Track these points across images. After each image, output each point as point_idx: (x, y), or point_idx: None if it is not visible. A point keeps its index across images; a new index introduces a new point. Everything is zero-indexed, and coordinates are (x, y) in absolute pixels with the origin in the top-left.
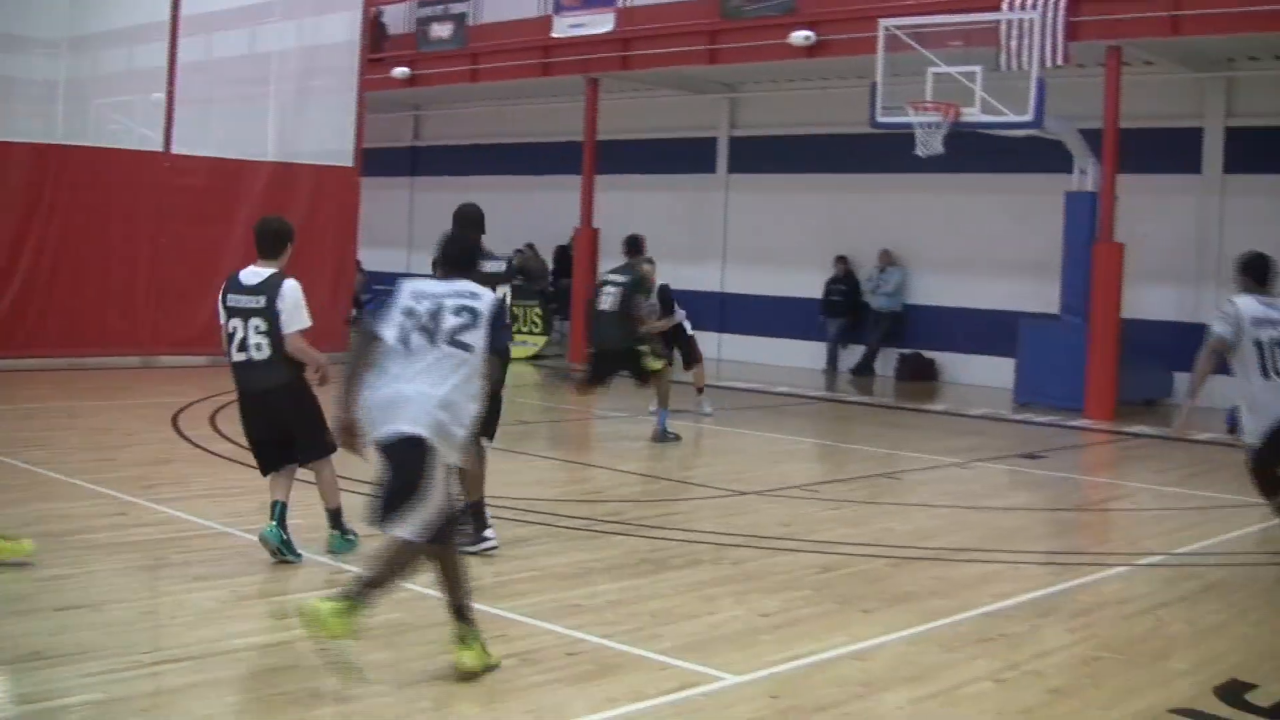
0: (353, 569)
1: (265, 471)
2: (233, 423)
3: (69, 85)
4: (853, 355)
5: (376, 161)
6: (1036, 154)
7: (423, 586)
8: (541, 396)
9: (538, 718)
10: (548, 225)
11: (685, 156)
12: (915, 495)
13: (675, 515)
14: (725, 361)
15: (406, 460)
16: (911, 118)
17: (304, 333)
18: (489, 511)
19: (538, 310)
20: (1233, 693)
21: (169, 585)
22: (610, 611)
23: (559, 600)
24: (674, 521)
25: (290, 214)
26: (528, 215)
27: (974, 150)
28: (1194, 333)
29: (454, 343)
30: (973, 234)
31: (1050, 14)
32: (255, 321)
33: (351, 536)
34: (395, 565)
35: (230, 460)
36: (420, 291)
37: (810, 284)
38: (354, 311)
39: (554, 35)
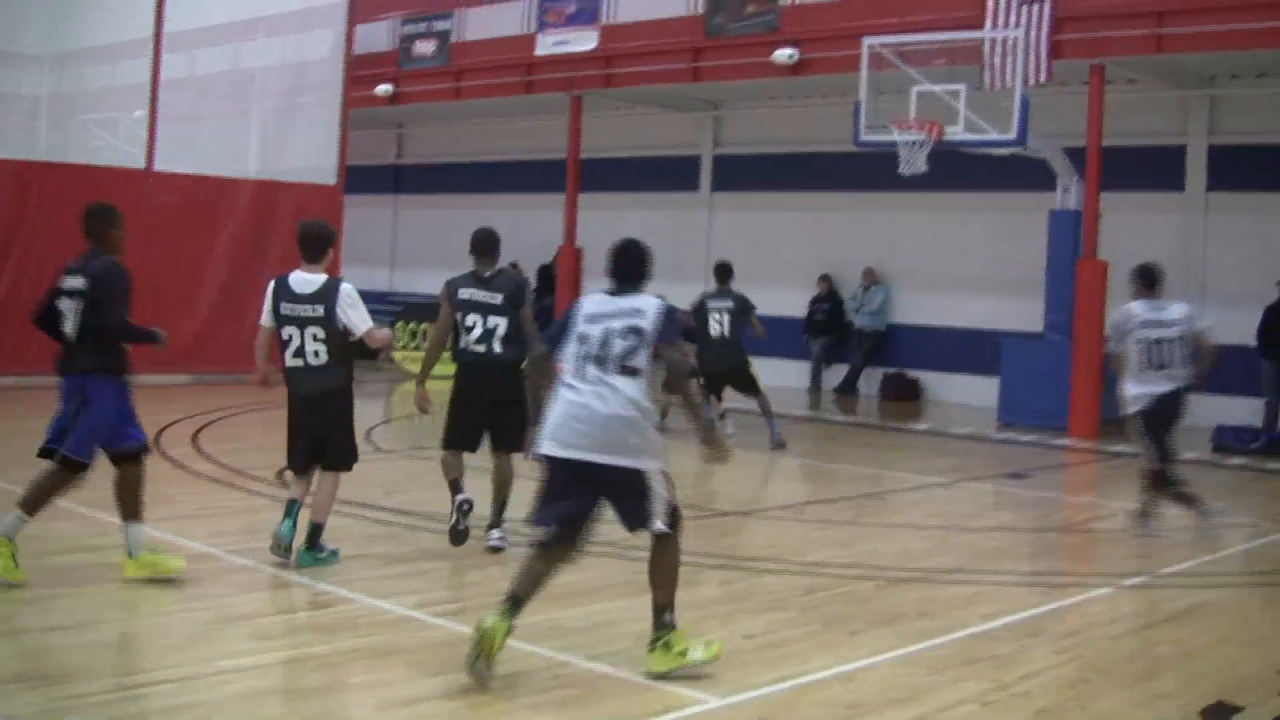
0: (336, 589)
1: (297, 469)
2: (215, 442)
3: (52, 101)
4: (836, 374)
5: (360, 179)
6: (1020, 172)
7: (407, 609)
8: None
9: None
10: (531, 244)
11: (669, 174)
12: (901, 516)
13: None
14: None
15: (627, 487)
16: (895, 136)
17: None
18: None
19: None
20: (1219, 715)
21: (152, 607)
22: (596, 633)
23: (545, 622)
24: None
25: (273, 232)
26: (510, 233)
27: (958, 169)
28: None
29: (624, 370)
30: (956, 252)
31: (1034, 32)
32: (313, 329)
33: (322, 554)
34: (671, 562)
35: (212, 480)
36: (593, 314)
37: (794, 303)
38: None
39: (537, 53)
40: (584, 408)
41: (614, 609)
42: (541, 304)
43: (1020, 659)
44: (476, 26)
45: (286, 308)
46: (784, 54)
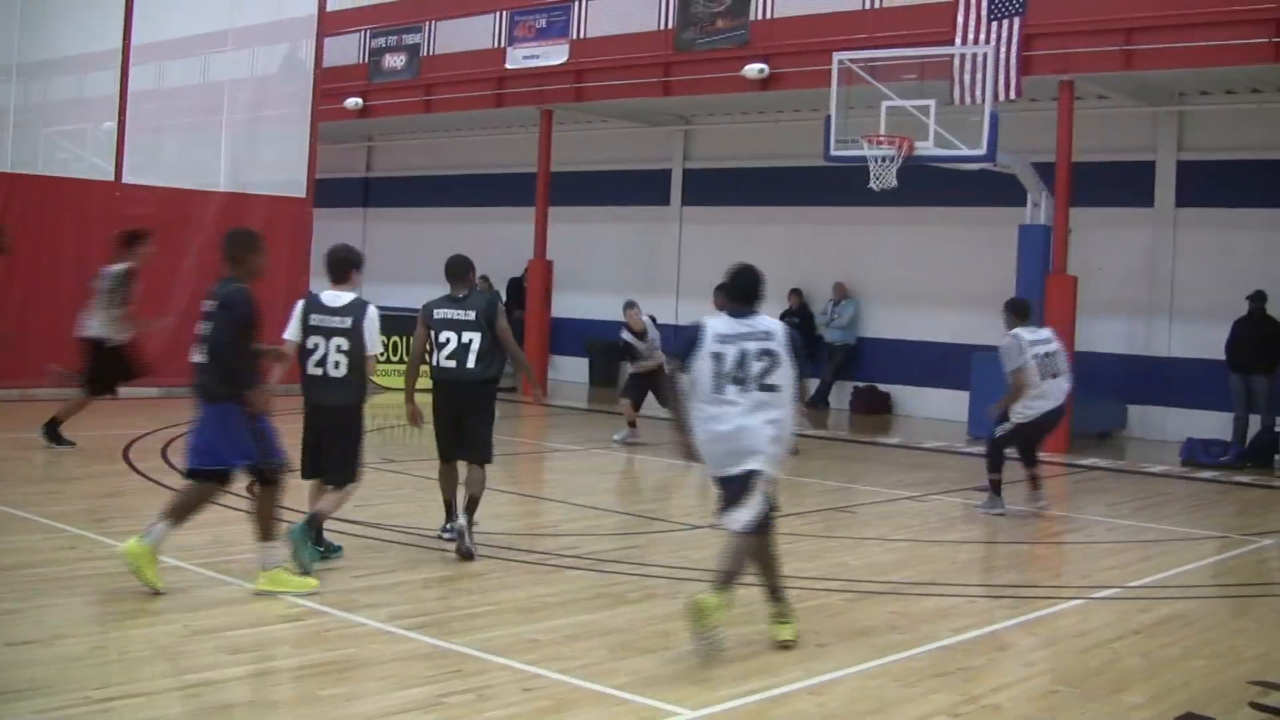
0: (306, 602)
1: (306, 476)
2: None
3: (19, 113)
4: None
5: (329, 192)
6: (990, 187)
7: (378, 622)
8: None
9: None
10: (501, 257)
11: (639, 188)
12: (871, 529)
13: (631, 549)
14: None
15: (744, 485)
16: (865, 151)
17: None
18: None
19: None
20: None
21: (120, 620)
22: (567, 646)
23: (515, 635)
24: (630, 555)
25: None
26: (481, 247)
27: (928, 184)
28: (1147, 365)
29: (764, 387)
30: (927, 267)
31: (1003, 48)
32: (338, 340)
33: (321, 549)
34: (739, 555)
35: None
36: (723, 335)
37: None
38: None
39: (508, 66)
40: (733, 430)
41: (585, 622)
42: (511, 317)
43: (990, 671)
44: (446, 40)
45: (316, 319)
46: (754, 69)
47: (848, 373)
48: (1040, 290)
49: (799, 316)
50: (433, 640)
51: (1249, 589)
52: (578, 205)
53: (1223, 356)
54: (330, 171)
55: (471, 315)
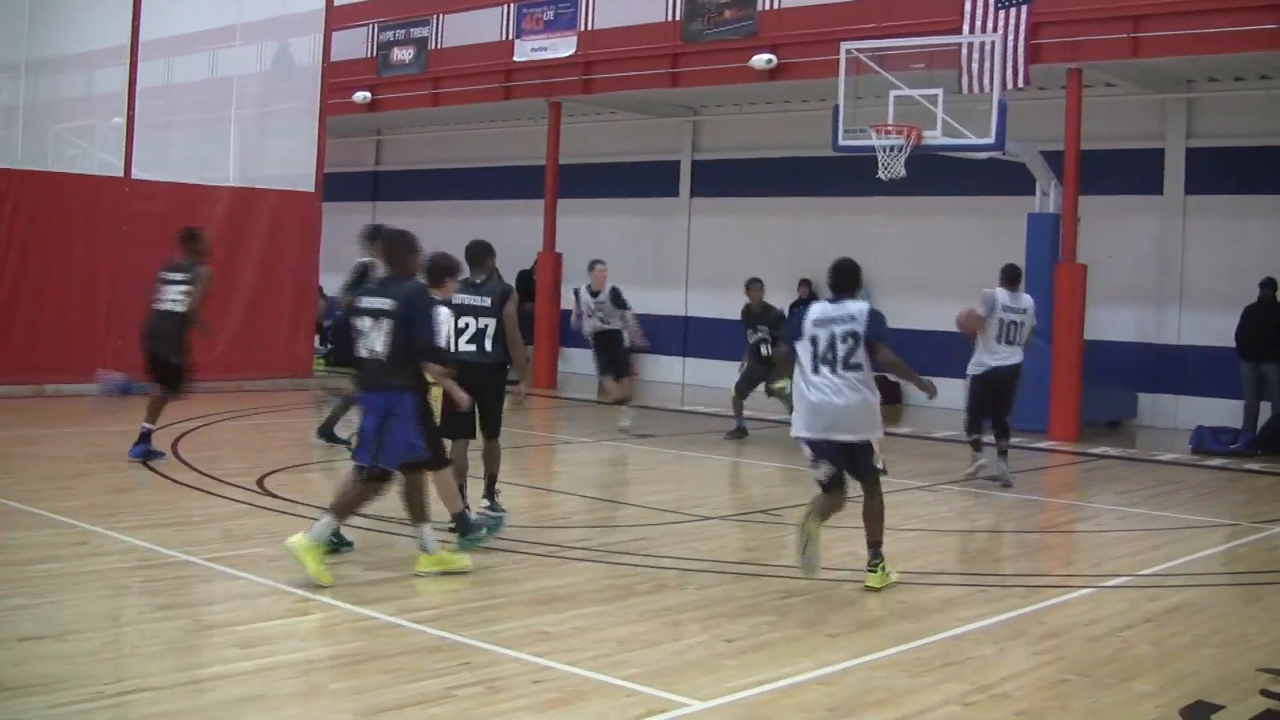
0: (315, 596)
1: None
2: (193, 450)
3: (28, 110)
4: None
5: (338, 186)
6: (998, 176)
7: (387, 615)
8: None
9: None
10: (510, 250)
11: (648, 180)
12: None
13: (640, 541)
14: (689, 386)
15: (858, 454)
16: (873, 141)
17: None
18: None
19: None
20: (1199, 714)
21: (132, 615)
22: (576, 638)
23: (525, 627)
24: (639, 547)
25: (251, 239)
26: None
27: (936, 173)
28: (1157, 353)
29: (849, 366)
30: (936, 256)
31: (1011, 37)
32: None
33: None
34: (878, 504)
35: (192, 488)
36: (819, 319)
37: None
38: (317, 338)
39: (515, 59)
40: (825, 402)
41: (594, 613)
42: (522, 309)
43: (1001, 661)
44: (455, 33)
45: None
46: (762, 59)
47: None
48: (1049, 279)
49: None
50: (442, 633)
51: (1260, 576)
52: (586, 197)
53: (1233, 344)
54: (339, 165)
55: (488, 302)
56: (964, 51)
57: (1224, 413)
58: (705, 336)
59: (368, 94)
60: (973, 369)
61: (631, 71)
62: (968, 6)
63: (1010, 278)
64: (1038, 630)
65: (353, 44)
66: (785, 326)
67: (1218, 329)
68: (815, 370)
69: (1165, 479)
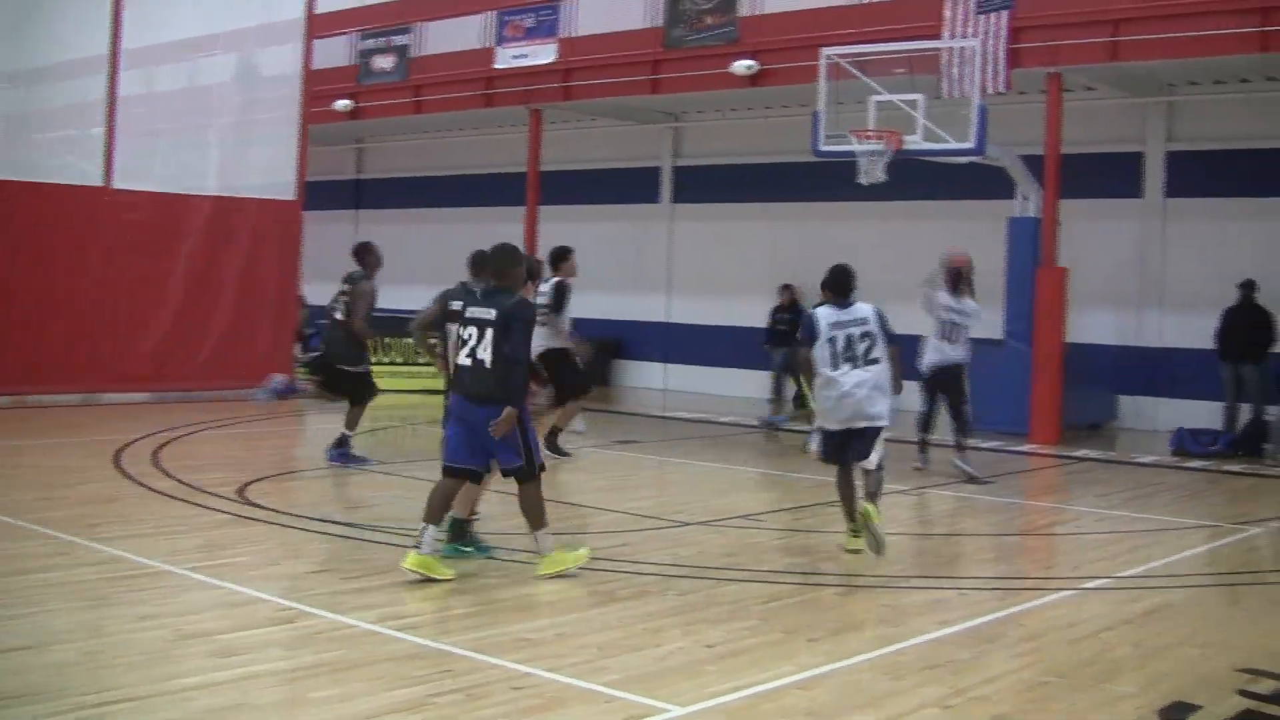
0: (297, 605)
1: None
2: (174, 460)
3: (8, 120)
4: None
5: (320, 194)
6: (979, 180)
7: (368, 623)
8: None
9: None
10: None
11: (629, 186)
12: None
13: (622, 547)
14: (671, 392)
15: (866, 436)
16: (854, 146)
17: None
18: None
19: None
20: (1177, 714)
21: (113, 625)
22: (557, 645)
23: (506, 634)
24: (620, 553)
25: (232, 248)
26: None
27: (917, 177)
28: (1138, 356)
29: (868, 361)
30: (917, 261)
31: (991, 42)
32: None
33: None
34: (880, 481)
35: (173, 498)
36: (833, 322)
37: (755, 313)
38: (299, 347)
39: (496, 66)
40: (848, 395)
41: (575, 620)
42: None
43: (980, 664)
44: (435, 40)
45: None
46: (743, 65)
47: None
48: (1031, 282)
49: (790, 313)
50: (423, 640)
51: (1239, 578)
52: (568, 204)
53: (1213, 346)
54: (321, 174)
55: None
56: (944, 56)
57: (1204, 414)
58: (687, 342)
59: (349, 102)
60: (925, 366)
61: (612, 78)
62: (948, 12)
63: (951, 280)
64: (1017, 633)
65: (334, 52)
66: (801, 331)
67: (1198, 331)
68: (836, 367)
69: (1146, 481)
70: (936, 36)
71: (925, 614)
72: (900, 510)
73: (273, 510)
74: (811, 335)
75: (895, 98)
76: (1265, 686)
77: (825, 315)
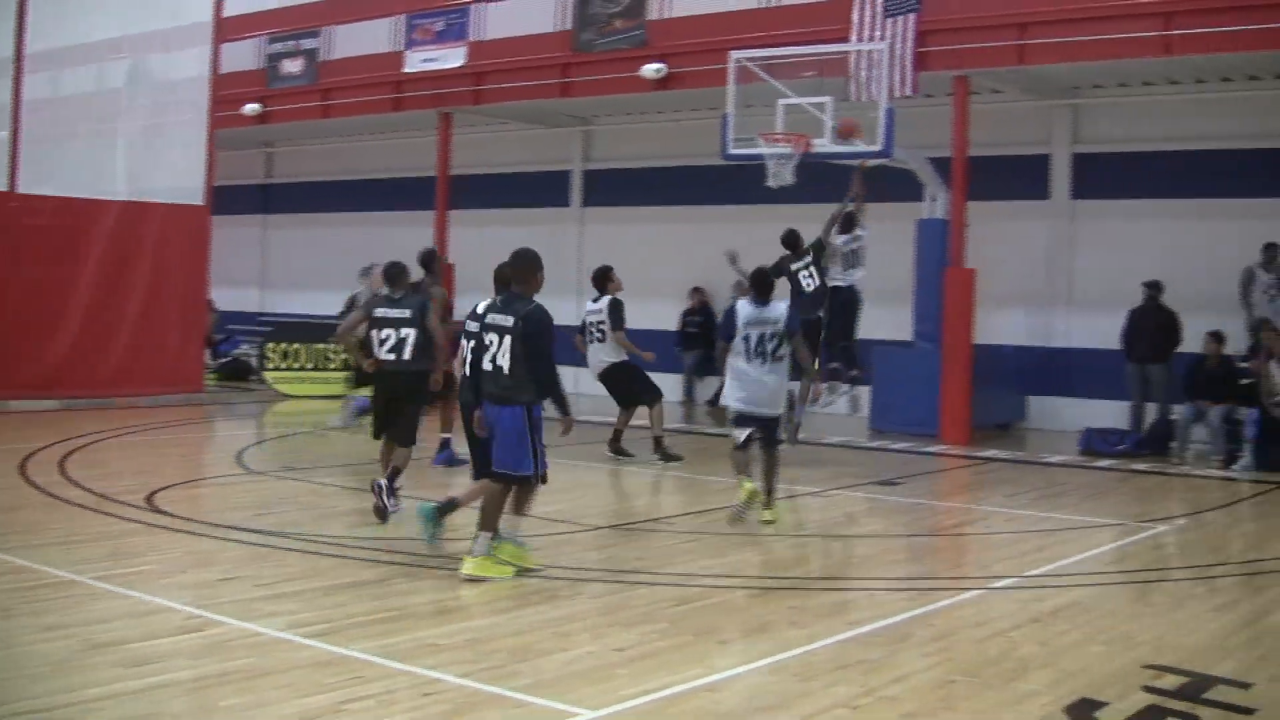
0: (205, 613)
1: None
2: (82, 468)
3: None
4: (709, 387)
5: (228, 199)
6: (887, 183)
7: (278, 631)
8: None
9: None
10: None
11: (539, 190)
12: (772, 525)
13: (533, 551)
14: (583, 396)
15: (768, 425)
16: (763, 149)
17: None
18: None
19: None
20: (1084, 712)
21: (18, 636)
22: (468, 650)
23: (416, 640)
24: (531, 557)
25: (139, 253)
26: (381, 251)
27: (825, 180)
28: (1046, 356)
29: (775, 358)
30: None
31: (899, 45)
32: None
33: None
34: (776, 463)
35: (80, 507)
36: (748, 320)
37: (666, 316)
38: (208, 352)
39: (406, 70)
40: (759, 385)
41: (486, 625)
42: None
43: (889, 663)
44: (345, 44)
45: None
46: (652, 69)
47: None
48: (940, 283)
49: (700, 315)
50: (333, 648)
51: (1146, 574)
52: (478, 208)
53: (1120, 346)
54: (229, 178)
55: (407, 313)
56: (852, 60)
57: (1112, 414)
58: None
59: (258, 106)
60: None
61: (522, 82)
62: (856, 15)
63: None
64: (926, 632)
65: (242, 56)
66: (721, 326)
67: (1105, 331)
68: (749, 360)
69: (1054, 480)
70: (845, 40)
71: (835, 615)
72: (809, 512)
73: (181, 518)
74: (726, 330)
75: (804, 101)
76: (1170, 682)
77: (744, 311)
